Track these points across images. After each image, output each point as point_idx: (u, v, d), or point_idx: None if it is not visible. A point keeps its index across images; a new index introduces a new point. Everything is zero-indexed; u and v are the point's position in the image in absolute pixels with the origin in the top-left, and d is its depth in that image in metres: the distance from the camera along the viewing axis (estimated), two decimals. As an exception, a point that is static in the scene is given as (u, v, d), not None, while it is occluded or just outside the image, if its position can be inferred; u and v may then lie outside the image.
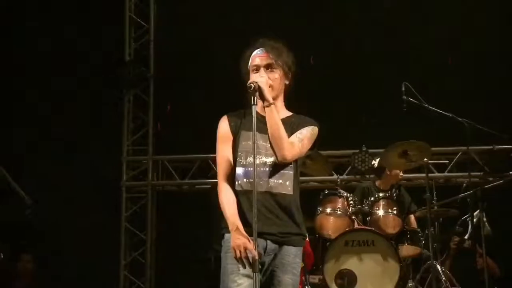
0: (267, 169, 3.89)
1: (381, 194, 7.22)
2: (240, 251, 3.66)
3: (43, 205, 8.49)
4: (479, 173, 8.80)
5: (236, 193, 3.91)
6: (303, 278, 6.60)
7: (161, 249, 9.72)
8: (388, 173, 7.84)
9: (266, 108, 3.84)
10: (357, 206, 7.15)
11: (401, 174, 7.88)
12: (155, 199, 9.95)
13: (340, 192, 7.11)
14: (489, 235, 7.10)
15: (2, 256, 7.15)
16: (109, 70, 9.80)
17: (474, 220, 7.27)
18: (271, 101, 3.84)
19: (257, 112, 3.93)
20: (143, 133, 10.03)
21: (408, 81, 7.20)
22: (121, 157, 9.94)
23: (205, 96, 9.43)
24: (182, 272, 9.18)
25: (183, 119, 9.64)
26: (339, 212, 6.99)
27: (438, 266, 6.82)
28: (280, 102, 4.05)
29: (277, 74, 3.98)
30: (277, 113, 3.88)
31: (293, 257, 3.93)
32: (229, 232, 3.86)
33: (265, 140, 3.89)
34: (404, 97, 7.15)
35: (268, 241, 3.85)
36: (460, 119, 7.04)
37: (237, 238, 3.71)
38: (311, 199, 7.03)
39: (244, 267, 3.69)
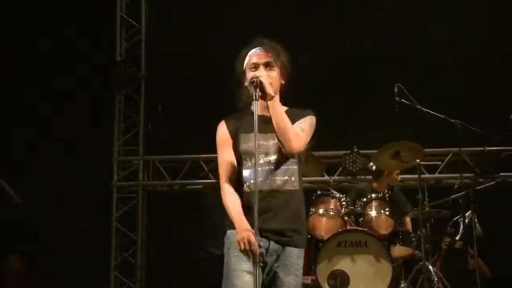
0: (272, 167, 3.93)
1: (373, 195, 7.24)
2: (244, 243, 3.69)
3: (35, 204, 8.56)
4: (470, 174, 8.83)
5: (245, 195, 3.93)
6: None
7: (151, 249, 9.68)
8: (386, 175, 7.86)
9: (269, 102, 3.86)
10: (350, 207, 7.17)
11: (398, 176, 7.90)
12: (146, 199, 9.91)
13: (332, 193, 7.13)
14: (480, 236, 7.13)
15: None
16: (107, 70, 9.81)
17: (466, 221, 7.30)
18: (273, 94, 3.87)
19: (253, 113, 3.94)
20: (134, 133, 9.99)
21: (402, 82, 7.24)
22: (112, 157, 9.90)
23: (197, 97, 9.42)
24: (173, 272, 9.17)
25: (175, 120, 9.62)
26: (331, 213, 7.00)
27: (430, 267, 6.85)
28: (277, 101, 4.03)
29: (275, 73, 4.01)
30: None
31: (295, 258, 3.96)
32: (231, 228, 3.90)
33: (266, 139, 3.92)
34: (397, 98, 7.18)
35: (271, 242, 3.88)
36: (452, 120, 7.07)
37: (242, 231, 3.75)
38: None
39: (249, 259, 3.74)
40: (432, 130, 8.05)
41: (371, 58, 9.16)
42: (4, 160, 8.34)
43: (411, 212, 7.56)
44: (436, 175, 9.29)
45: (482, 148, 9.12)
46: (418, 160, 7.12)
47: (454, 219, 7.75)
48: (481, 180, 8.60)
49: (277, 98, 3.98)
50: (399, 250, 7.15)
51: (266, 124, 3.88)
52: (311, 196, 7.16)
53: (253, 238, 3.69)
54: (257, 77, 3.84)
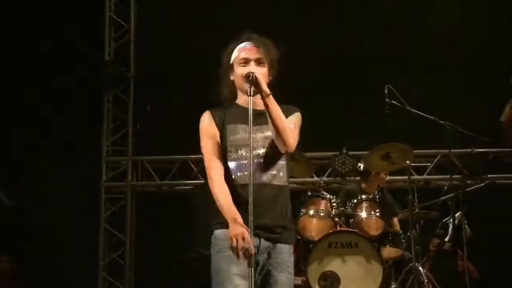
0: (261, 160, 3.86)
1: (363, 196, 7.24)
2: (237, 240, 3.59)
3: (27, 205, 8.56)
4: (459, 176, 8.88)
5: (231, 188, 3.84)
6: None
7: (140, 250, 9.66)
8: (373, 176, 7.90)
9: (266, 99, 3.79)
10: (340, 208, 7.18)
11: (386, 176, 7.92)
12: (135, 200, 9.89)
13: (323, 194, 7.13)
14: (469, 238, 7.17)
15: None
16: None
17: (456, 222, 7.33)
18: (268, 92, 3.82)
19: (241, 106, 3.97)
20: (123, 134, 9.97)
21: (392, 83, 7.26)
22: (101, 158, 9.88)
23: (186, 97, 9.39)
24: (161, 273, 9.13)
25: (163, 120, 9.60)
26: (322, 214, 7.01)
27: (420, 268, 6.87)
28: (273, 99, 3.93)
29: (264, 69, 3.96)
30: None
31: (287, 255, 3.90)
32: (219, 228, 3.84)
33: (254, 132, 3.80)
34: (387, 99, 7.20)
35: (262, 239, 3.79)
36: (442, 122, 7.10)
37: (236, 228, 3.64)
38: (292, 201, 7.02)
39: (238, 258, 3.63)
40: (420, 131, 8.09)
41: (361, 59, 9.18)
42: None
43: (400, 213, 7.59)
44: (426, 176, 9.34)
45: (470, 150, 9.15)
46: (408, 162, 7.14)
47: (443, 220, 7.79)
48: (469, 181, 8.63)
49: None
50: (389, 251, 7.16)
51: (256, 116, 3.78)
52: (301, 197, 7.16)
53: (247, 236, 3.59)
54: (253, 73, 3.79)
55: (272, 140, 3.87)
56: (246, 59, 3.95)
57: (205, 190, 8.81)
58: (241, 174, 3.85)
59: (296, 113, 4.03)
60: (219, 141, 3.95)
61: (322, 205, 7.06)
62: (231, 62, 4.02)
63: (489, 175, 9.03)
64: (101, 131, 9.91)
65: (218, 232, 3.86)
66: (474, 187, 7.49)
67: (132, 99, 9.99)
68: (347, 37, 9.22)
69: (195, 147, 9.47)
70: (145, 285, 9.46)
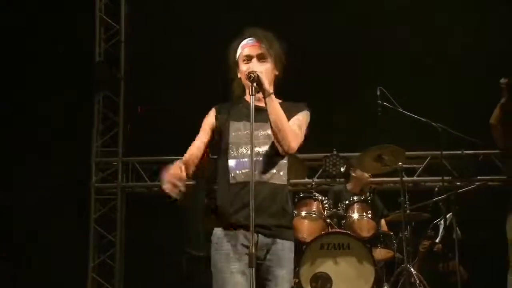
0: (261, 158, 3.83)
1: (355, 198, 7.25)
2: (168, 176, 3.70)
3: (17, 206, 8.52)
4: (449, 178, 8.91)
5: (230, 185, 3.84)
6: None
7: (130, 251, 9.64)
8: (354, 175, 7.93)
9: (266, 99, 3.76)
10: (332, 209, 7.19)
11: (368, 176, 7.92)
12: (125, 201, 9.86)
13: (315, 195, 7.13)
14: (459, 239, 7.19)
15: None
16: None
17: (447, 222, 7.36)
18: (271, 91, 3.79)
19: (247, 102, 3.92)
20: (113, 135, 9.95)
21: (383, 84, 7.27)
22: (90, 159, 9.85)
23: (176, 98, 9.38)
24: (151, 274, 9.11)
25: (154, 121, 9.58)
26: (314, 215, 7.00)
27: (412, 269, 6.88)
28: (274, 98, 3.90)
29: (268, 65, 3.94)
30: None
31: (287, 251, 3.87)
32: (218, 226, 3.84)
33: (256, 128, 3.78)
34: (379, 101, 7.22)
35: (260, 236, 3.75)
36: (434, 124, 7.12)
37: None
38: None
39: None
40: (410, 133, 8.11)
41: (347, 60, 9.19)
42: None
43: (392, 215, 7.60)
44: (418, 178, 9.40)
45: (460, 152, 9.19)
46: (400, 163, 7.15)
47: (434, 222, 7.81)
48: (458, 183, 8.66)
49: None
50: (380, 253, 7.18)
51: (257, 113, 3.72)
52: (294, 198, 7.15)
53: (173, 170, 3.70)
54: (255, 72, 3.76)
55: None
56: (249, 56, 3.94)
57: (196, 191, 8.88)
58: (240, 172, 3.83)
59: (304, 112, 3.99)
60: (222, 138, 3.94)
61: (314, 206, 7.05)
62: (236, 59, 4.00)
63: (480, 177, 9.07)
64: (91, 132, 9.88)
65: (216, 230, 3.86)
66: (466, 188, 7.51)
67: (122, 100, 9.95)
68: (339, 37, 9.22)
69: (186, 148, 9.50)
70: (135, 286, 9.43)
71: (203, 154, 3.98)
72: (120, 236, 9.67)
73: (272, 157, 3.86)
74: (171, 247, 8.84)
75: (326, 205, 7.14)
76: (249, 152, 3.77)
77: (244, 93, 4.04)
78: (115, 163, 9.92)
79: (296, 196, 7.22)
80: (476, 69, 8.82)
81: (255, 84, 3.74)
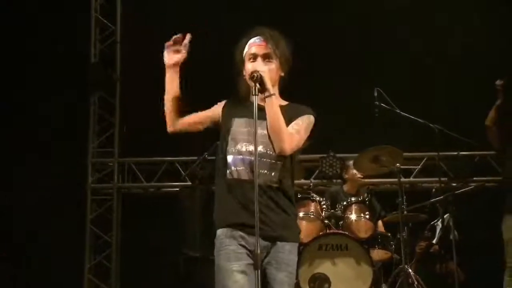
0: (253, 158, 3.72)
1: (353, 199, 7.28)
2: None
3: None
4: (445, 179, 8.93)
5: (227, 181, 3.83)
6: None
7: (126, 252, 9.62)
8: (346, 177, 7.96)
9: (266, 99, 3.74)
10: (330, 210, 7.20)
11: (360, 176, 7.92)
12: (121, 201, 9.85)
13: (313, 196, 7.15)
14: (456, 240, 7.20)
15: None
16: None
17: (445, 223, 7.38)
18: (272, 92, 3.76)
19: (250, 101, 3.88)
20: (109, 135, 9.94)
21: (380, 85, 7.28)
22: (87, 159, 9.84)
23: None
24: (148, 275, 9.10)
25: (150, 122, 9.54)
26: (312, 216, 7.02)
27: (410, 270, 6.90)
28: (274, 99, 3.85)
29: (273, 65, 3.92)
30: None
31: (287, 253, 3.82)
32: (221, 227, 3.81)
33: (253, 126, 3.69)
34: (376, 102, 7.23)
35: (259, 238, 3.61)
36: (432, 125, 7.14)
37: None
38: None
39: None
40: (406, 134, 8.13)
41: (344, 61, 9.20)
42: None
43: (389, 215, 7.61)
44: (415, 179, 9.43)
45: (456, 153, 9.21)
46: (398, 164, 7.16)
47: (432, 223, 7.83)
48: (454, 184, 8.68)
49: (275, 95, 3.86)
50: (378, 254, 7.20)
51: (259, 112, 3.69)
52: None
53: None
54: (258, 72, 3.74)
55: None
56: (254, 55, 3.93)
57: (193, 192, 8.87)
58: (235, 168, 3.82)
59: (307, 116, 3.94)
60: (224, 133, 3.95)
61: (312, 207, 7.07)
62: (243, 57, 4.00)
63: (477, 178, 9.09)
64: (87, 132, 9.86)
65: (220, 231, 3.83)
66: (463, 189, 7.53)
67: (118, 101, 9.94)
68: (337, 37, 9.23)
69: (182, 149, 9.48)
70: (131, 287, 9.41)
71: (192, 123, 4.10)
72: (116, 237, 9.65)
73: (266, 158, 3.82)
74: (167, 247, 8.84)
75: (324, 206, 7.16)
76: (244, 149, 3.81)
77: (249, 91, 3.99)
78: (111, 164, 9.91)
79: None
80: (475, 69, 8.83)
81: (257, 84, 3.72)
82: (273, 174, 3.83)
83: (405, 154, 8.36)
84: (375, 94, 7.23)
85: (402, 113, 7.25)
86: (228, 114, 3.98)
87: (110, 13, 10.16)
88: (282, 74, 3.99)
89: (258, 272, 3.48)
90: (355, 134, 8.79)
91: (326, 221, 7.09)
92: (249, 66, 3.91)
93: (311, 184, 7.90)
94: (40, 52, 9.34)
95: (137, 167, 9.87)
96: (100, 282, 9.55)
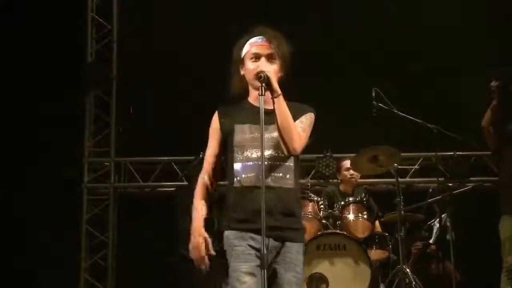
0: (266, 162, 3.71)
1: (351, 199, 7.28)
2: (195, 251, 3.72)
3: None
4: (441, 179, 8.94)
5: (236, 189, 3.82)
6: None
7: (122, 252, 9.62)
8: (340, 177, 8.01)
9: (275, 100, 3.72)
10: (328, 210, 7.20)
11: (352, 176, 7.91)
12: (117, 201, 9.84)
13: (310, 196, 7.14)
14: (452, 240, 7.22)
15: None
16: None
17: (442, 224, 7.39)
18: (279, 92, 3.74)
19: (251, 104, 3.91)
20: (105, 135, 9.92)
21: (378, 85, 7.28)
22: (82, 159, 9.83)
23: (169, 98, 9.38)
24: (144, 275, 9.09)
25: (146, 121, 9.56)
26: (309, 216, 7.00)
27: (408, 270, 6.90)
28: (282, 99, 3.82)
29: (276, 65, 3.90)
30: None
31: (295, 253, 3.83)
32: (228, 229, 3.81)
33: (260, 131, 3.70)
34: (374, 102, 7.22)
35: (270, 239, 3.71)
36: (430, 125, 7.14)
37: (198, 236, 3.74)
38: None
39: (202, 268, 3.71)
40: (402, 134, 8.15)
41: (340, 61, 9.20)
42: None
43: (387, 215, 7.61)
44: (413, 179, 9.45)
45: (452, 153, 9.22)
46: (396, 164, 7.16)
47: (429, 222, 7.83)
48: (451, 184, 8.68)
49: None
50: (375, 254, 7.18)
51: (265, 115, 3.68)
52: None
53: (202, 246, 3.70)
54: (264, 72, 3.72)
55: (279, 141, 3.80)
56: (257, 54, 3.89)
57: (189, 191, 8.86)
58: (245, 176, 3.80)
59: (309, 114, 3.96)
60: (223, 141, 3.92)
61: (310, 207, 7.07)
62: (242, 56, 3.96)
63: (475, 178, 9.11)
64: (83, 132, 9.85)
65: (228, 233, 3.82)
66: (461, 190, 7.54)
67: (115, 100, 9.93)
68: (331, 37, 9.23)
69: (178, 148, 9.46)
70: (127, 287, 9.40)
71: (215, 167, 3.96)
72: (113, 237, 9.65)
73: (277, 161, 3.82)
74: (164, 247, 8.83)
75: (322, 206, 7.16)
76: (253, 155, 3.78)
77: (245, 92, 4.00)
78: (107, 164, 9.90)
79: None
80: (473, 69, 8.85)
81: (264, 85, 3.70)
82: (287, 176, 3.84)
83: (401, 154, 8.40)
84: (373, 94, 7.23)
85: (399, 112, 7.24)
86: (227, 123, 3.93)
87: (106, 13, 10.12)
88: (281, 74, 3.96)
89: (264, 272, 3.50)
90: (351, 134, 8.79)
91: (324, 221, 7.09)
92: (251, 66, 3.88)
93: (309, 184, 7.89)
94: (37, 52, 9.32)
95: (134, 167, 9.87)
96: (96, 282, 9.53)
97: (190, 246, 3.72)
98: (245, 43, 3.96)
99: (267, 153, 3.78)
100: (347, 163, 7.82)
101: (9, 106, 9.20)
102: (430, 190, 7.79)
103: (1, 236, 8.83)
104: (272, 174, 3.79)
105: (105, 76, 9.93)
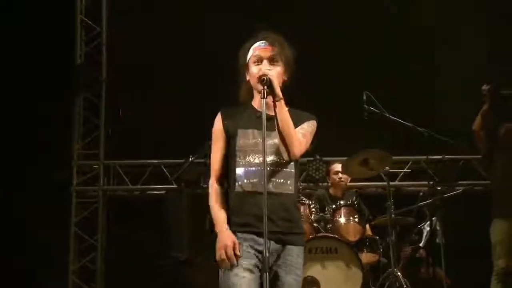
0: (268, 168, 3.73)
1: (342, 202, 7.31)
2: (225, 251, 3.65)
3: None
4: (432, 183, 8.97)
5: (237, 194, 3.81)
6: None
7: (111, 255, 9.58)
8: (329, 181, 8.02)
9: (277, 104, 3.73)
10: (319, 213, 7.21)
11: (340, 179, 7.91)
12: (106, 204, 9.81)
13: (302, 199, 7.15)
14: (442, 244, 7.24)
15: None
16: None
17: (432, 227, 7.42)
18: (281, 96, 3.75)
19: (255, 109, 3.90)
20: (95, 137, 9.89)
21: (369, 89, 7.31)
22: (71, 161, 9.79)
23: (158, 100, 9.37)
24: (133, 278, 9.05)
25: (136, 124, 9.52)
26: (301, 219, 6.98)
27: (399, 273, 6.91)
28: (283, 103, 3.83)
29: (279, 68, 3.89)
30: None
31: (295, 256, 3.84)
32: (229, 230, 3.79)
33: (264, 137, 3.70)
34: (365, 106, 7.25)
35: (272, 242, 3.71)
36: (420, 129, 7.17)
37: (226, 237, 3.69)
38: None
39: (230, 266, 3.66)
40: (392, 137, 8.17)
41: (332, 65, 9.22)
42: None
43: (378, 219, 7.63)
44: (404, 182, 9.47)
45: (441, 157, 9.25)
46: (387, 168, 7.19)
47: (419, 226, 7.86)
48: (444, 188, 8.72)
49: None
50: (366, 257, 7.20)
51: (267, 121, 3.68)
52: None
53: (237, 246, 3.66)
54: (267, 75, 3.73)
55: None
56: (260, 57, 3.90)
57: (179, 194, 8.85)
58: (247, 181, 3.80)
59: (311, 121, 3.98)
60: (229, 145, 3.91)
61: (301, 210, 7.06)
62: (246, 61, 3.96)
63: (464, 182, 9.14)
64: (72, 134, 9.82)
65: None
66: (451, 193, 7.56)
67: (104, 103, 9.90)
68: (323, 40, 9.24)
69: (168, 151, 9.43)
70: (116, 290, 9.38)
71: (224, 171, 3.93)
72: (101, 240, 9.61)
73: (279, 167, 3.83)
74: (153, 250, 8.81)
75: (313, 209, 7.17)
76: (256, 160, 3.78)
77: (251, 97, 4.00)
78: (96, 166, 9.86)
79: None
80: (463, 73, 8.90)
81: (266, 88, 3.70)
82: (288, 182, 3.85)
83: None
84: (364, 97, 7.25)
85: (391, 116, 7.27)
86: (231, 125, 3.93)
87: (95, 15, 10.09)
88: (285, 78, 3.96)
89: (266, 275, 3.52)
90: (341, 137, 8.79)
91: (315, 224, 7.11)
92: (254, 70, 3.88)
93: (301, 188, 7.90)
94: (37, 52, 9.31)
95: (123, 170, 9.83)
96: (85, 285, 9.49)
97: (218, 246, 3.68)
98: (249, 48, 3.97)
99: (269, 159, 3.79)
100: (336, 167, 7.83)
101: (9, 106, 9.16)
102: (421, 193, 7.81)
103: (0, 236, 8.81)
104: (274, 180, 3.80)
105: (95, 78, 9.88)
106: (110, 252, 9.61)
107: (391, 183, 7.72)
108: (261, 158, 3.73)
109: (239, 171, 3.83)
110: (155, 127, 9.26)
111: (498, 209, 6.94)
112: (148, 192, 9.90)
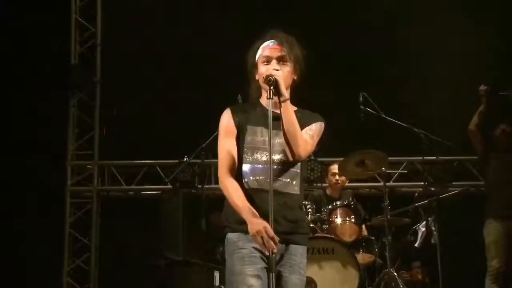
0: (274, 166, 3.72)
1: (338, 203, 7.31)
2: (262, 236, 3.53)
3: None
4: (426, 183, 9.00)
5: (244, 192, 3.77)
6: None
7: (105, 255, 9.56)
8: (327, 182, 8.03)
9: (282, 104, 3.70)
10: (315, 214, 7.22)
11: (337, 180, 7.91)
12: (100, 205, 9.79)
13: (298, 200, 7.14)
14: (437, 244, 7.26)
15: None
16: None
17: (427, 228, 7.44)
18: (287, 96, 3.74)
19: (263, 107, 3.88)
20: (89, 138, 9.87)
21: (366, 90, 7.33)
22: (66, 162, 9.77)
23: (153, 101, 9.36)
24: (127, 279, 9.04)
25: (130, 124, 9.51)
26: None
27: (395, 273, 6.93)
28: (289, 104, 3.81)
29: (288, 68, 3.87)
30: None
31: (299, 256, 3.84)
32: (232, 231, 3.79)
33: (272, 136, 3.67)
34: (362, 107, 7.27)
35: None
36: (416, 130, 7.20)
37: (256, 223, 3.58)
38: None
39: (266, 253, 3.59)
40: (387, 138, 8.19)
41: (328, 65, 9.22)
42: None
43: (375, 219, 7.65)
44: (400, 183, 9.50)
45: (434, 157, 9.27)
46: (383, 169, 7.20)
47: (414, 227, 7.87)
48: (439, 189, 8.74)
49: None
50: (362, 257, 7.20)
51: (274, 120, 3.66)
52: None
53: (270, 228, 3.53)
54: (273, 76, 3.70)
55: None
56: (268, 57, 3.88)
57: (174, 194, 8.84)
58: (253, 178, 3.79)
59: (318, 122, 3.96)
60: (237, 142, 3.89)
61: (300, 210, 7.07)
62: (256, 61, 3.95)
63: (458, 183, 9.16)
64: (67, 135, 9.79)
65: (232, 235, 3.80)
66: (447, 194, 7.58)
67: (98, 103, 9.89)
68: (319, 40, 9.21)
69: (162, 152, 9.40)
70: (111, 291, 9.37)
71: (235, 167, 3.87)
72: (95, 240, 9.59)
73: (286, 166, 3.82)
74: (147, 251, 8.78)
75: (310, 210, 7.18)
76: (263, 158, 3.77)
77: (260, 96, 4.00)
78: (90, 167, 9.84)
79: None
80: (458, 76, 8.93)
81: (272, 88, 3.68)
82: (294, 182, 3.84)
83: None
84: (360, 98, 7.27)
85: (387, 117, 7.29)
86: (241, 122, 3.91)
87: (90, 15, 10.08)
88: (295, 78, 3.95)
89: (272, 275, 3.52)
90: (337, 138, 8.79)
91: (311, 225, 7.10)
92: (262, 69, 3.87)
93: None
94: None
95: (117, 170, 9.81)
96: (78, 285, 9.47)
97: (252, 232, 3.57)
98: (258, 47, 3.96)
99: (277, 157, 3.78)
100: (333, 168, 7.84)
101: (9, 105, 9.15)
102: (416, 194, 7.83)
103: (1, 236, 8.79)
104: (280, 179, 3.79)
105: (89, 78, 9.87)
106: (105, 252, 9.58)
107: (386, 184, 7.77)
108: (268, 156, 3.69)
109: (246, 167, 3.82)
110: (150, 127, 9.24)
111: (491, 210, 7.00)
112: (143, 192, 9.88)
